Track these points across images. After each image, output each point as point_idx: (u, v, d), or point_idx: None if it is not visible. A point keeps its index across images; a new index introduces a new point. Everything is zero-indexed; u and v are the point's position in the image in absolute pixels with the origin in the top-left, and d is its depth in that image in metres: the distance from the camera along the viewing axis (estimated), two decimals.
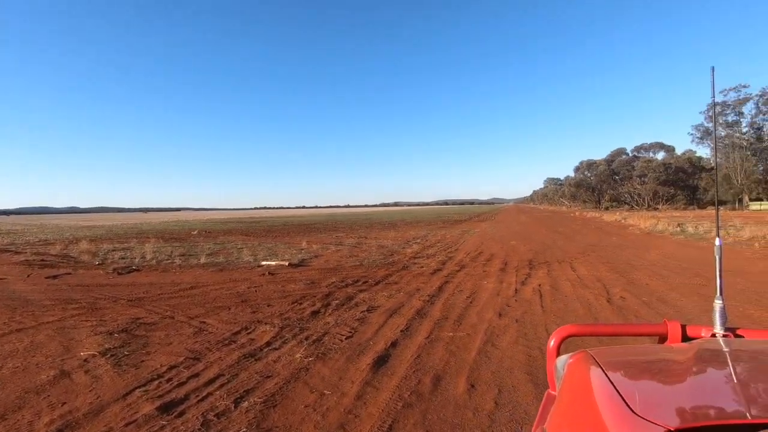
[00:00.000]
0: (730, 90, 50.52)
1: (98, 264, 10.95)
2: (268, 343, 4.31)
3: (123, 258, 12.12)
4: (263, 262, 10.42)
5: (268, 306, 5.92)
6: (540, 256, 10.42)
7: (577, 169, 74.43)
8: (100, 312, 5.79)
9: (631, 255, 10.32)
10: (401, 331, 4.66)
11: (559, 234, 15.94)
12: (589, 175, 70.24)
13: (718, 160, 52.82)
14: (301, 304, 5.99)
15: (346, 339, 4.43)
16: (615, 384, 0.74)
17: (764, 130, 50.01)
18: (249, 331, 4.77)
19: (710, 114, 51.39)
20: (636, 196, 59.75)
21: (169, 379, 3.45)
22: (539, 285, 7.01)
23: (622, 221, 25.08)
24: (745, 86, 50.03)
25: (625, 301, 5.78)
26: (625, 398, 0.66)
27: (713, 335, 1.23)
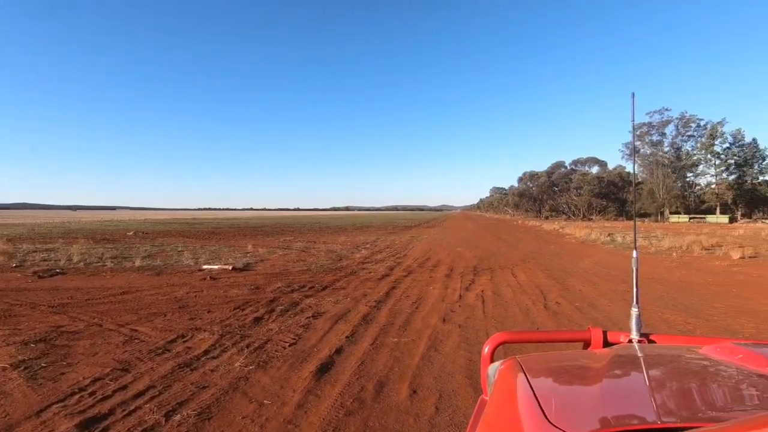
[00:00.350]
0: (654, 112, 55.55)
1: (15, 266, 9.97)
2: (206, 352, 4.11)
3: (45, 260, 11.11)
4: (205, 266, 9.97)
5: (208, 312, 5.66)
6: (484, 263, 10.79)
7: (520, 180, 78.11)
8: (14, 320, 5.25)
9: (566, 262, 10.94)
10: (346, 337, 4.63)
11: (502, 241, 16.55)
12: (531, 185, 73.95)
13: (643, 175, 57.63)
14: (243, 310, 5.79)
15: (289, 346, 4.32)
16: (536, 392, 0.77)
17: (683, 150, 55.26)
18: (186, 339, 4.53)
19: (638, 133, 56.11)
20: (573, 207, 63.69)
21: (93, 393, 3.19)
22: (482, 291, 7.24)
23: (560, 230, 26.60)
24: (667, 109, 55.23)
25: (560, 306, 6.11)
26: (542, 406, 0.69)
27: (630, 341, 1.32)
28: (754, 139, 52.28)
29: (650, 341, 1.31)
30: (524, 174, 76.30)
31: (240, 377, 3.52)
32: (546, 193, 70.21)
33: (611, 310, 5.83)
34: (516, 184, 79.54)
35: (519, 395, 0.80)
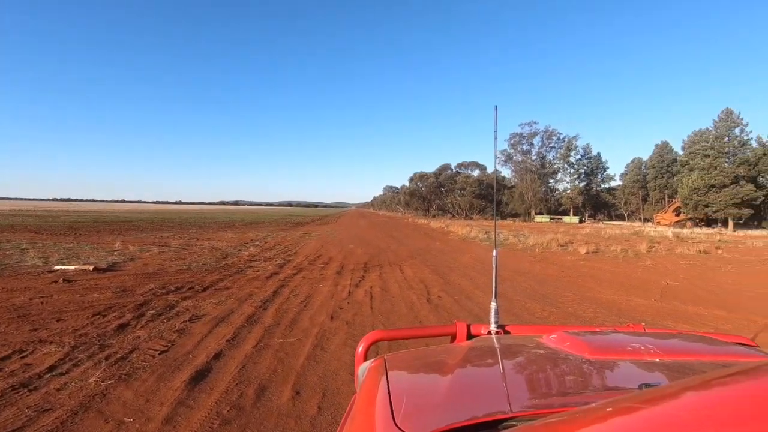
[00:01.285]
0: (525, 124, 63.13)
1: None
2: (51, 368, 3.52)
3: None
4: (57, 267, 8.55)
5: (57, 321, 4.85)
6: (374, 260, 11.08)
7: (411, 180, 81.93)
8: None
9: (449, 258, 11.78)
10: (227, 340, 4.35)
11: (392, 238, 17.16)
12: (420, 185, 78.09)
13: (515, 180, 64.89)
14: (105, 316, 5.09)
15: (159, 354, 3.92)
16: (391, 391, 0.78)
17: (546, 159, 63.66)
18: (24, 354, 3.82)
19: (512, 142, 63.22)
20: (457, 207, 68.94)
21: None
22: (371, 287, 7.42)
23: (445, 228, 28.59)
24: (535, 122, 63.16)
25: (441, 300, 6.54)
26: (393, 406, 0.70)
27: (489, 332, 1.44)
28: (598, 153, 62.83)
29: (506, 332, 1.45)
30: (414, 174, 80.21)
31: (95, 394, 3.08)
32: (434, 193, 74.80)
33: (485, 302, 6.42)
34: (407, 184, 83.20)
35: (378, 395, 0.80)
